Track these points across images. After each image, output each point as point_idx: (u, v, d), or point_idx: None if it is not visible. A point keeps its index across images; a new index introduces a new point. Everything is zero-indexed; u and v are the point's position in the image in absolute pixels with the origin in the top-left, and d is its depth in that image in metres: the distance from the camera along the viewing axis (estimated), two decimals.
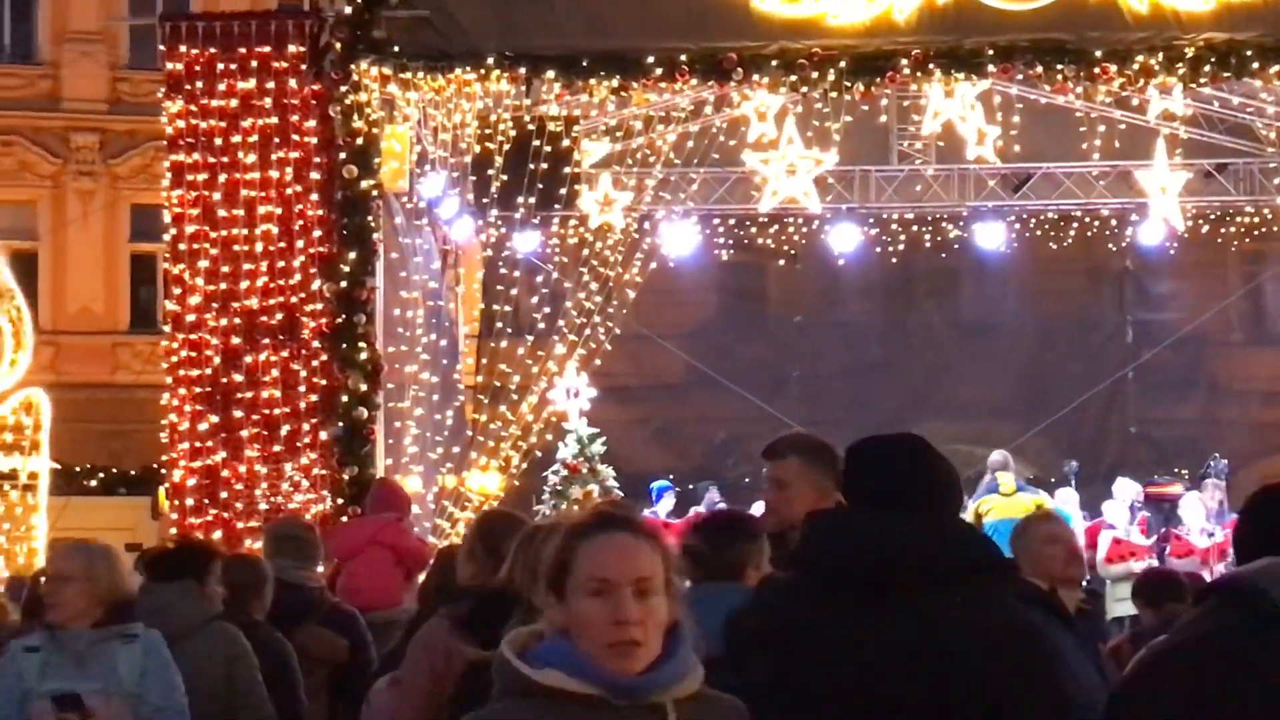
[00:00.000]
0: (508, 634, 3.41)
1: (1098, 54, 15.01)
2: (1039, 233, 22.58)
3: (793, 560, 4.39)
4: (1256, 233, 22.41)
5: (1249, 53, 15.01)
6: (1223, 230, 22.36)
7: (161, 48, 15.21)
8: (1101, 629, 8.09)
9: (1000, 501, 17.84)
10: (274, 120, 14.70)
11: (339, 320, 14.50)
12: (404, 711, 5.99)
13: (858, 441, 4.32)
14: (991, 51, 15.07)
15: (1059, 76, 15.28)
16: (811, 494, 5.82)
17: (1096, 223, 22.47)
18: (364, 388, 14.49)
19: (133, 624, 6.09)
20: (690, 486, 20.80)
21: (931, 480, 4.18)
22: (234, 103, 14.74)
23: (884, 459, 4.23)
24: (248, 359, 14.41)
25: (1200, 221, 21.90)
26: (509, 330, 19.23)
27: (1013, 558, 7.04)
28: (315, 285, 14.47)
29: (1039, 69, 15.22)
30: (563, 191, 16.74)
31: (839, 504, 4.87)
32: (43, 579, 6.32)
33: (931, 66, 15.12)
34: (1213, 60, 15.05)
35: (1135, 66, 15.04)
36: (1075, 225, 22.47)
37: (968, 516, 17.06)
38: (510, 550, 5.79)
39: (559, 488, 20.69)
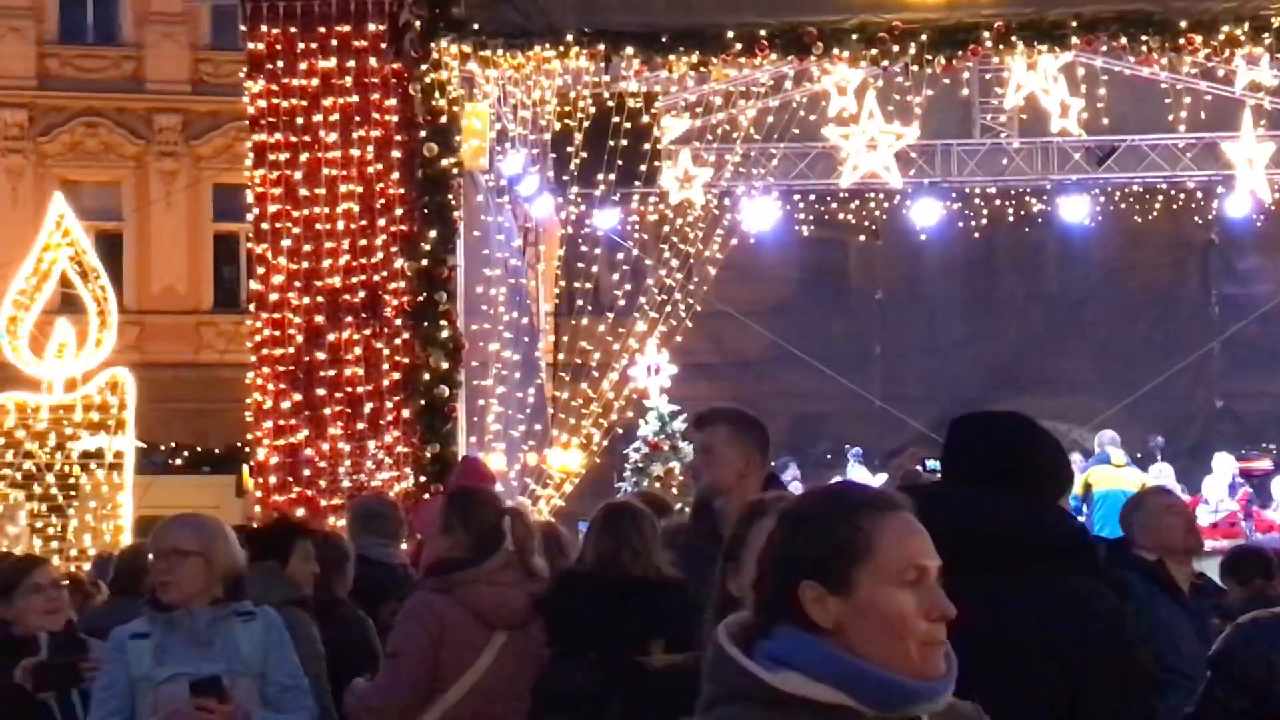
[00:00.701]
0: (720, 624, 2.83)
1: (1183, 24, 14.79)
2: (1123, 206, 22.36)
3: None
4: None
5: None
6: None
7: (242, 28, 15.25)
8: (1221, 603, 7.95)
9: (1110, 473, 17.77)
10: (355, 99, 14.72)
11: (420, 298, 14.52)
12: (400, 680, 6.09)
13: (959, 417, 4.30)
14: (1075, 23, 14.88)
15: (1144, 48, 15.08)
16: (739, 462, 6.00)
17: (1182, 195, 22.23)
18: (445, 366, 14.51)
19: (246, 601, 5.73)
20: (771, 463, 20.72)
21: (1027, 458, 4.14)
22: (315, 82, 14.77)
23: (981, 435, 4.20)
24: (330, 337, 14.45)
25: None
26: (589, 308, 19.25)
27: (1121, 534, 7.03)
28: (397, 264, 14.49)
29: (1123, 40, 15.03)
30: (642, 168, 16.72)
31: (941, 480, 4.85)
32: (150, 556, 5.96)
33: (1014, 39, 14.95)
34: None
35: (1221, 37, 14.82)
36: (1160, 198, 22.23)
37: (1077, 488, 16.96)
38: (505, 527, 6.22)
39: (640, 465, 20.69)
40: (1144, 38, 14.92)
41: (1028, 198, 22.38)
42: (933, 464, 5.73)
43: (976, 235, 22.55)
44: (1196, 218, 22.66)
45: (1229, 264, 24.07)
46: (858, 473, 19.74)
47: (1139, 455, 19.88)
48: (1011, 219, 22.52)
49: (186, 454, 21.54)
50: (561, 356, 19.30)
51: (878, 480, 19.15)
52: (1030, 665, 3.83)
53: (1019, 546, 3.96)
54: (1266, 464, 19.75)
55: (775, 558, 2.79)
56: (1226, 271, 24.08)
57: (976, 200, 22.21)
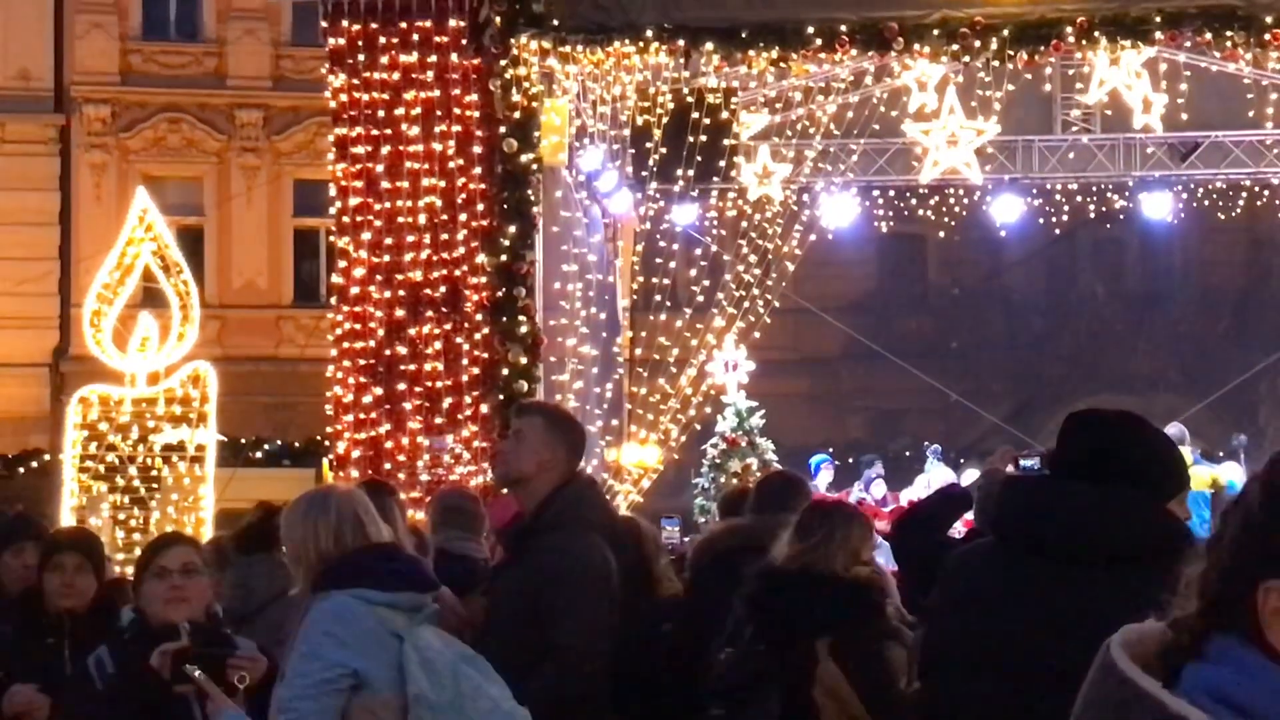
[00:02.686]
0: (1115, 640, 2.14)
1: (1268, 20, 14.62)
2: (1206, 203, 22.16)
3: (993, 526, 4.42)
4: None
5: None
6: None
7: (323, 24, 15.33)
8: None
9: None
10: (435, 94, 14.78)
11: (499, 294, 14.57)
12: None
13: (1073, 413, 4.33)
14: (1159, 18, 14.74)
15: (1228, 43, 14.91)
16: (544, 453, 6.25)
17: (1265, 192, 21.99)
18: (524, 361, 14.54)
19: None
20: (850, 460, 20.70)
21: (1136, 457, 4.14)
22: (396, 76, 14.83)
23: (1091, 432, 4.21)
24: (411, 331, 14.52)
25: None
26: (667, 303, 19.25)
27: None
28: (478, 259, 14.54)
29: (1208, 35, 14.87)
30: (721, 164, 16.71)
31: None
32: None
33: (1096, 34, 14.83)
34: None
35: None
36: (1244, 195, 22.01)
37: None
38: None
39: (717, 461, 20.69)
40: (1228, 33, 14.75)
41: (1109, 194, 22.21)
42: (1026, 463, 5.74)
43: (1057, 232, 22.41)
44: None
45: None
46: (939, 471, 19.63)
47: (1221, 454, 19.69)
48: (1092, 215, 22.38)
49: (267, 447, 21.71)
50: (639, 352, 19.32)
51: (965, 478, 19.09)
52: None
53: (1116, 544, 3.97)
54: None
55: (1241, 543, 1.95)
56: None
57: (1057, 197, 22.07)
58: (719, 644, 6.38)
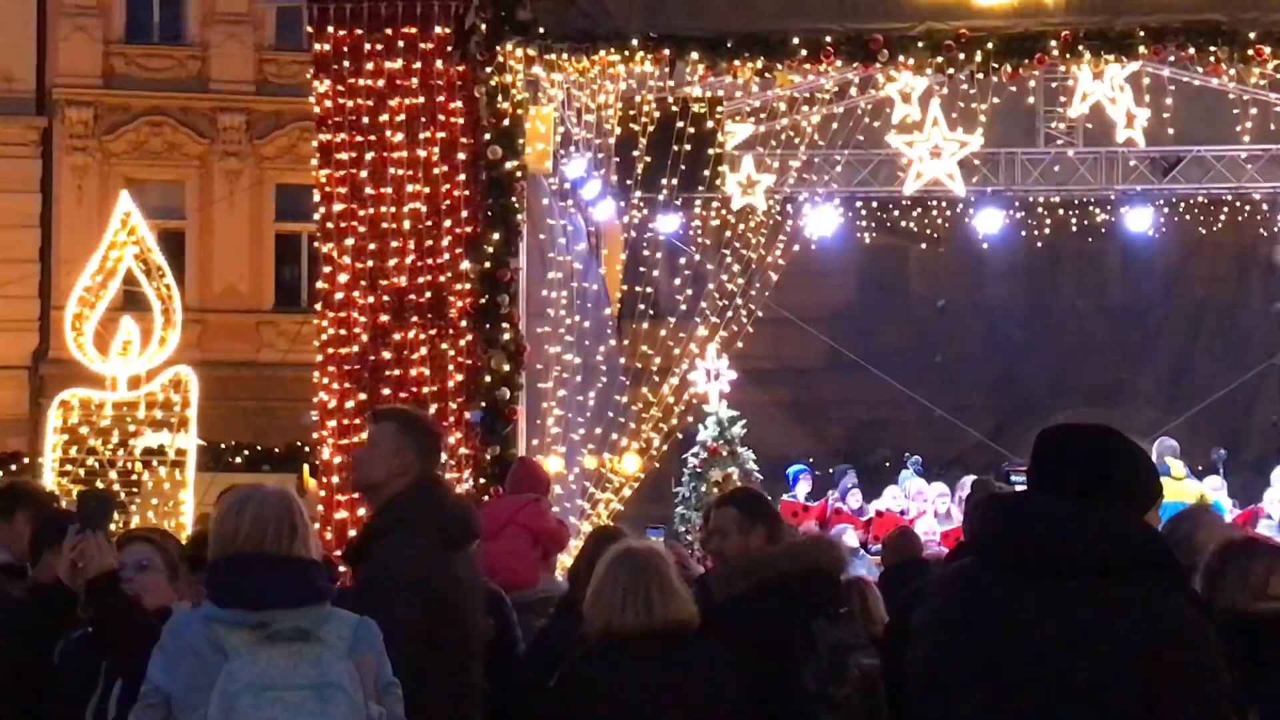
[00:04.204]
0: None
1: (1252, 35, 14.67)
2: (1188, 217, 22.24)
3: (971, 543, 4.43)
4: None
5: None
6: None
7: (308, 29, 15.31)
8: None
9: (1170, 485, 17.60)
10: (420, 100, 14.76)
11: (482, 300, 14.56)
12: None
13: (1048, 427, 4.33)
14: (1143, 32, 14.78)
15: (1212, 58, 14.96)
16: (393, 459, 6.26)
17: (1247, 207, 22.09)
18: (506, 368, 14.53)
19: None
20: (830, 470, 20.72)
21: (1114, 471, 4.16)
22: (381, 82, 14.80)
23: (1068, 446, 4.22)
24: (395, 337, 14.50)
25: None
26: (650, 312, 19.25)
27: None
28: (463, 265, 14.53)
29: (1191, 50, 14.92)
30: (705, 173, 16.73)
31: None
32: None
33: (1081, 48, 14.87)
34: None
35: None
36: (1225, 210, 22.11)
37: None
38: None
39: (698, 470, 20.69)
40: (1212, 48, 14.80)
41: (1091, 207, 22.29)
42: (1016, 477, 5.79)
43: (1039, 245, 22.48)
44: (1261, 230, 22.52)
45: None
46: (916, 483, 19.67)
47: (1200, 468, 19.72)
48: (1075, 229, 22.44)
49: (247, 452, 21.65)
50: (622, 360, 19.30)
51: (934, 489, 19.14)
52: (1107, 677, 3.86)
53: (1101, 558, 3.99)
54: None
55: None
56: None
57: (1040, 209, 22.14)
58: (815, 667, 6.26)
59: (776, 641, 6.16)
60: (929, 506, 18.78)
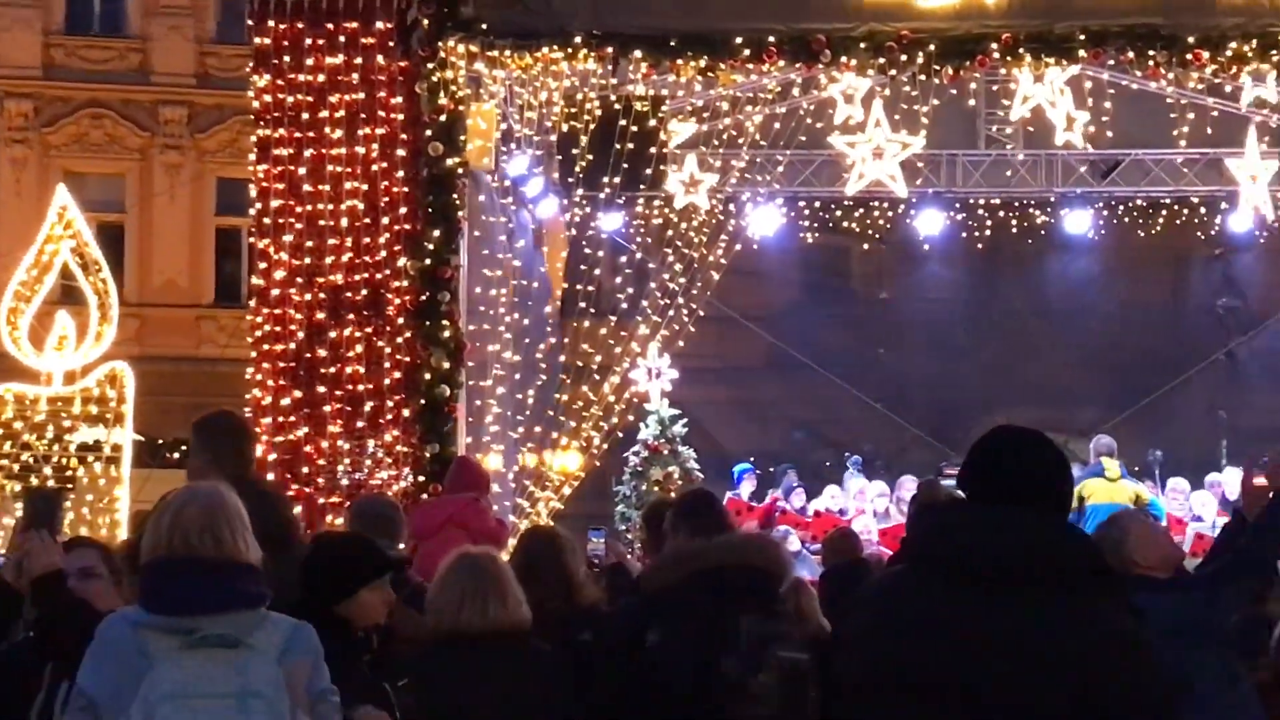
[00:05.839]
0: None
1: (1190, 40, 14.79)
2: (1127, 219, 22.36)
3: (906, 552, 4.40)
4: None
5: None
6: None
7: (249, 22, 15.23)
8: None
9: (1104, 486, 17.68)
10: (361, 96, 14.70)
11: (422, 298, 14.50)
12: None
13: (984, 435, 4.29)
14: (1083, 36, 14.88)
15: (1150, 62, 15.07)
16: (195, 462, 6.78)
17: (1185, 210, 22.22)
18: (446, 365, 14.49)
19: None
20: (771, 469, 20.74)
21: (1048, 480, 4.16)
22: (321, 78, 14.75)
23: (1004, 454, 4.20)
24: (332, 334, 14.43)
25: None
26: (591, 310, 19.22)
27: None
28: (400, 262, 14.47)
29: (1130, 54, 15.02)
30: (648, 172, 16.66)
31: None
32: None
33: (1021, 51, 14.95)
34: None
35: (1228, 53, 14.82)
36: (1164, 212, 22.23)
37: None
38: None
39: (639, 468, 20.69)
40: (1151, 52, 14.91)
41: (1031, 209, 22.38)
42: (948, 481, 5.78)
43: (980, 246, 22.58)
44: (1199, 233, 22.66)
45: (1231, 279, 24.08)
46: (857, 482, 19.72)
47: (1137, 469, 19.84)
48: (1015, 230, 22.53)
49: (184, 448, 21.42)
50: (563, 358, 19.28)
51: (874, 488, 19.18)
52: (1045, 685, 3.85)
53: (1041, 566, 3.98)
54: (1261, 480, 19.64)
55: None
56: (1228, 286, 24.09)
57: (980, 211, 22.22)
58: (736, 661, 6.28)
59: (704, 633, 6.18)
60: (869, 506, 18.82)
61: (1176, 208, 22.16)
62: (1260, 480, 7.26)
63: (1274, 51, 14.79)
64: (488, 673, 5.97)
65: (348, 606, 5.79)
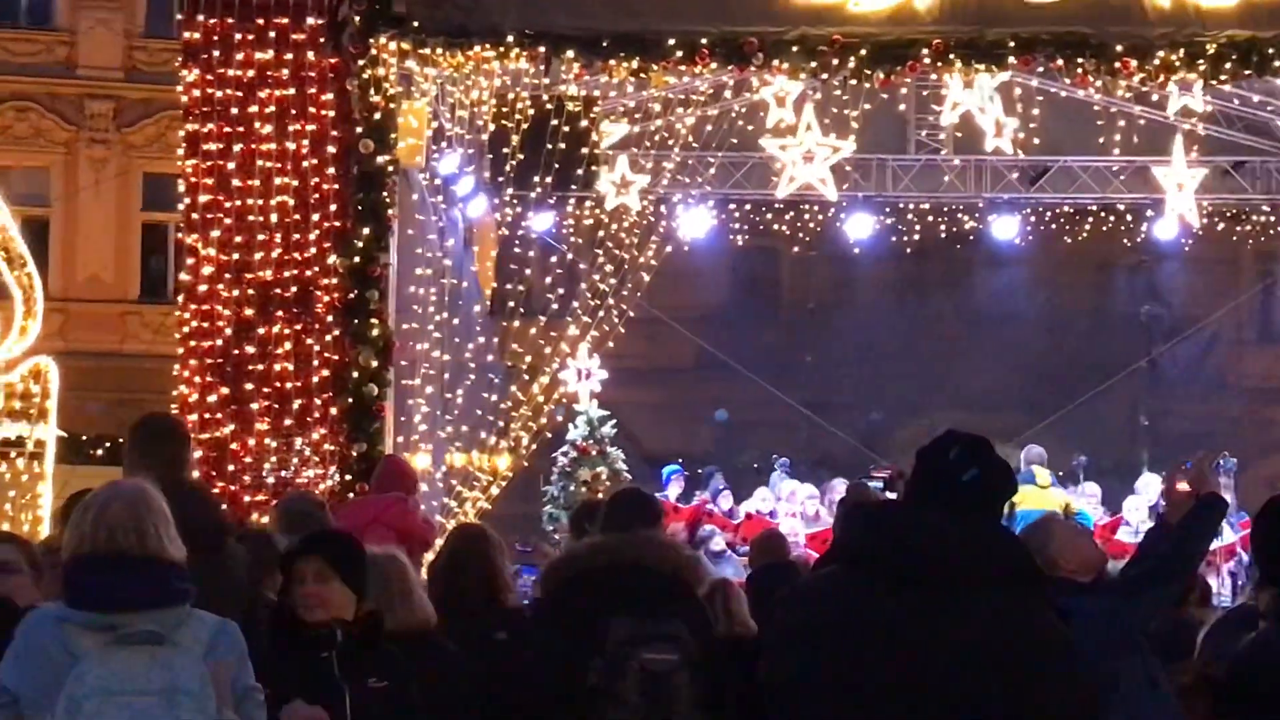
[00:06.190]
0: None
1: (1119, 48, 14.92)
2: (1054, 226, 22.52)
3: (840, 553, 4.40)
4: (1272, 231, 22.34)
5: (1270, 51, 14.92)
6: (1238, 228, 22.33)
7: (179, 16, 15.14)
8: None
9: (1034, 493, 17.85)
10: (291, 92, 14.62)
11: (351, 295, 14.44)
12: None
13: (931, 440, 4.32)
14: (1013, 43, 14.98)
15: (1079, 70, 15.20)
16: (134, 465, 6.74)
17: (1112, 217, 22.40)
18: (375, 364, 14.43)
19: None
20: (698, 471, 20.78)
21: (988, 485, 4.18)
22: (251, 73, 14.66)
23: (948, 459, 4.21)
24: (260, 331, 14.34)
25: (1216, 219, 21.85)
26: (521, 310, 19.20)
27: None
28: (330, 260, 14.40)
29: (1060, 62, 15.14)
30: (579, 172, 16.66)
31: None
32: None
33: (952, 57, 15.03)
34: (1234, 58, 14.96)
35: (1156, 62, 14.95)
36: (1091, 219, 22.41)
37: None
38: None
39: (568, 469, 20.67)
40: (1080, 60, 15.03)
41: (960, 214, 22.51)
42: (874, 483, 5.81)
43: (909, 250, 22.69)
44: (1125, 240, 22.86)
45: (1156, 286, 24.36)
46: (788, 484, 19.77)
47: (1061, 473, 20.02)
48: (943, 235, 22.66)
49: (108, 445, 21.29)
50: (492, 358, 19.23)
51: (804, 490, 19.24)
52: (979, 686, 3.87)
53: (978, 570, 3.99)
54: (1184, 486, 19.85)
55: None
56: (1154, 294, 24.35)
57: (910, 216, 22.32)
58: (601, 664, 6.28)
59: (574, 635, 6.22)
60: (799, 508, 18.87)
61: (1103, 215, 22.34)
62: (1183, 486, 7.32)
63: (1201, 61, 14.93)
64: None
65: None
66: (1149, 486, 18.85)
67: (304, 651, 5.53)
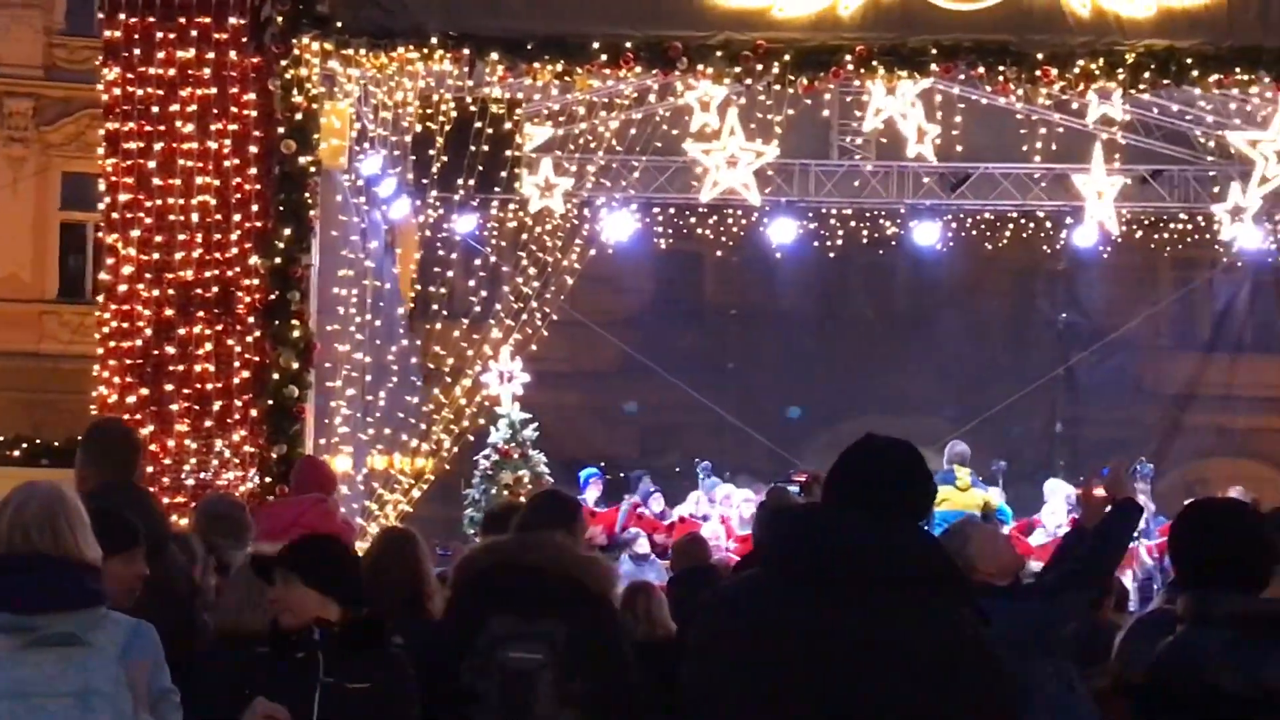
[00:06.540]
0: None
1: (1040, 57, 15.05)
2: (975, 232, 22.69)
3: (760, 557, 4.40)
4: (1189, 239, 22.60)
5: (1189, 60, 15.09)
6: (1156, 236, 22.57)
7: (99, 14, 15.01)
8: None
9: (954, 494, 17.95)
10: (213, 91, 14.53)
11: (272, 296, 14.36)
12: None
13: (854, 442, 4.31)
14: (935, 50, 15.08)
15: (1000, 77, 15.30)
16: (83, 471, 6.97)
17: (1032, 224, 22.59)
18: (295, 365, 14.36)
19: None
20: (621, 474, 20.77)
21: (910, 487, 4.19)
22: (172, 72, 14.55)
23: (871, 461, 4.22)
24: (180, 332, 14.24)
25: (1134, 226, 22.10)
26: (444, 312, 19.14)
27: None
28: (251, 260, 14.31)
29: (981, 69, 15.25)
30: (503, 174, 16.63)
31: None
32: None
33: (875, 63, 15.12)
34: (1153, 67, 15.12)
35: (1076, 70, 15.09)
36: (1011, 226, 22.59)
37: None
38: None
39: (489, 472, 20.61)
40: (1001, 68, 15.15)
41: (882, 220, 22.64)
42: (793, 486, 5.82)
43: (831, 255, 22.80)
44: (1045, 246, 23.05)
45: (1075, 293, 24.59)
46: (723, 488, 19.78)
47: (981, 478, 20.17)
48: (865, 240, 22.79)
49: (25, 446, 21.06)
50: (414, 360, 19.16)
51: (740, 494, 19.23)
52: (902, 688, 3.88)
53: (900, 572, 4.01)
54: (1100, 491, 20.05)
55: None
56: (1072, 300, 24.59)
57: (832, 221, 22.43)
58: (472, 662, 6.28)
59: (451, 636, 6.26)
60: (734, 511, 18.89)
61: (1023, 222, 22.53)
62: (1099, 491, 7.39)
63: (1120, 70, 15.08)
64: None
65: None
66: (1055, 493, 19.02)
67: (283, 654, 5.56)
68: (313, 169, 14.66)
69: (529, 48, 14.77)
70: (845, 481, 4.21)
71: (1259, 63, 15.12)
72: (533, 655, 6.16)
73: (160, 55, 14.54)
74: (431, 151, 16.38)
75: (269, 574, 5.82)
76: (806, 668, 3.94)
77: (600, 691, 6.26)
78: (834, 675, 3.92)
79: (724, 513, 19.06)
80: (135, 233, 14.36)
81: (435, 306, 18.89)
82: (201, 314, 14.27)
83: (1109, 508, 7.29)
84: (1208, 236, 22.11)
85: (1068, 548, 7.57)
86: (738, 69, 14.99)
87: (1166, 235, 22.55)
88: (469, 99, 16.10)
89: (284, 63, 14.53)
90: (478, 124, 16.07)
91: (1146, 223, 22.31)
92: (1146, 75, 15.19)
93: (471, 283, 19.88)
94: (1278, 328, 24.37)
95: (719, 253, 23.25)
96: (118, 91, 14.59)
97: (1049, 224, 22.56)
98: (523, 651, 6.13)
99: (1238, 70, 15.14)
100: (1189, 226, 22.33)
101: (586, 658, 6.24)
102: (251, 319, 14.28)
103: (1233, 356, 24.53)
